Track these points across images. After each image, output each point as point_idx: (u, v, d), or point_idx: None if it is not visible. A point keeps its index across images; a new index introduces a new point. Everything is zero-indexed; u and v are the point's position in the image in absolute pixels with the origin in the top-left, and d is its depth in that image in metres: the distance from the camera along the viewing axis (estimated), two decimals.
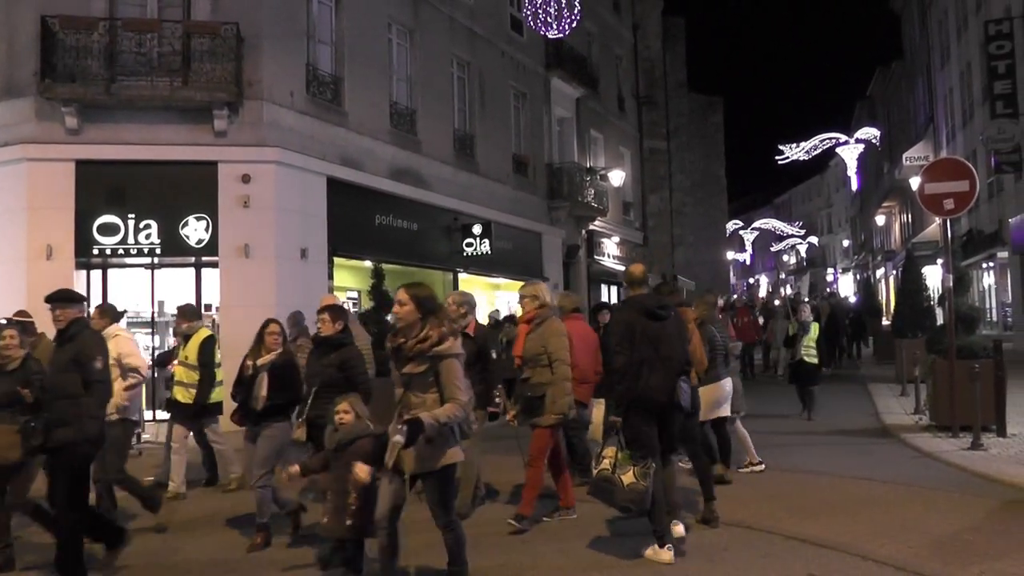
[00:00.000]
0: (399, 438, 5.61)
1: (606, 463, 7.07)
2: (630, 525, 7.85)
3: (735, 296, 28.05)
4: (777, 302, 32.12)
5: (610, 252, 35.22)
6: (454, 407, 5.75)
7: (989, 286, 34.55)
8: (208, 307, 16.80)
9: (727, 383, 9.94)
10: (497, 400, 8.91)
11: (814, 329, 15.52)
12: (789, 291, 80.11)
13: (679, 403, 7.34)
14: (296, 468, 6.83)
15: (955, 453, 11.11)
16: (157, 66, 15.86)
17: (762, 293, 76.94)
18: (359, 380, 8.16)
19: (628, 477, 6.93)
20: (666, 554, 6.99)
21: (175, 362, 11.15)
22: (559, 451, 8.61)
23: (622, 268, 35.14)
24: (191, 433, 10.92)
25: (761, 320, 25.10)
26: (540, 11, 21.39)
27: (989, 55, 26.44)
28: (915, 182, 15.24)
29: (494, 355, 8.84)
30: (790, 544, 7.34)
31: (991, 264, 33.28)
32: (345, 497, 6.43)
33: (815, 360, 15.43)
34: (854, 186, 64.90)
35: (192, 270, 16.84)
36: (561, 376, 8.23)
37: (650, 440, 7.24)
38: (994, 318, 33.08)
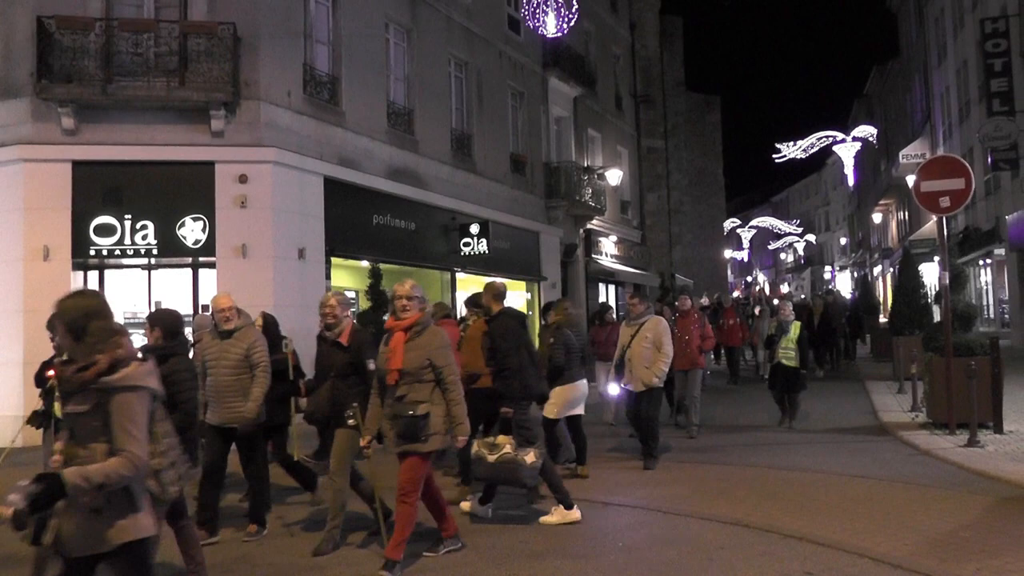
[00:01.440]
0: (15, 499, 3.78)
1: (507, 448, 8.21)
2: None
3: (718, 295, 27.30)
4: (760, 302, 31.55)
5: (608, 251, 35.22)
6: (120, 463, 4.00)
7: (986, 283, 34.59)
8: (205, 307, 16.80)
9: (582, 384, 10.67)
10: (351, 420, 7.58)
11: (794, 329, 14.31)
12: (786, 288, 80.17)
13: (546, 395, 9.84)
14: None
15: (952, 450, 11.13)
16: (154, 66, 15.85)
17: (783, 289, 77.06)
18: (181, 399, 6.85)
19: (530, 457, 8.22)
20: (575, 513, 8.42)
21: None
22: (431, 478, 7.43)
23: (620, 267, 35.26)
24: None
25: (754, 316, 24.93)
26: (537, 10, 21.38)
27: (985, 53, 26.46)
28: (912, 180, 15.24)
29: (371, 365, 7.50)
30: (787, 542, 7.35)
31: (988, 261, 33.32)
32: None
33: (794, 363, 14.05)
34: (851, 184, 64.91)
35: (189, 271, 16.84)
36: (458, 394, 7.06)
37: (537, 425, 9.42)
38: (991, 315, 33.13)
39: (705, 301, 26.01)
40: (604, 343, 15.14)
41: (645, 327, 11.32)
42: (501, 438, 8.37)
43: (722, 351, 22.99)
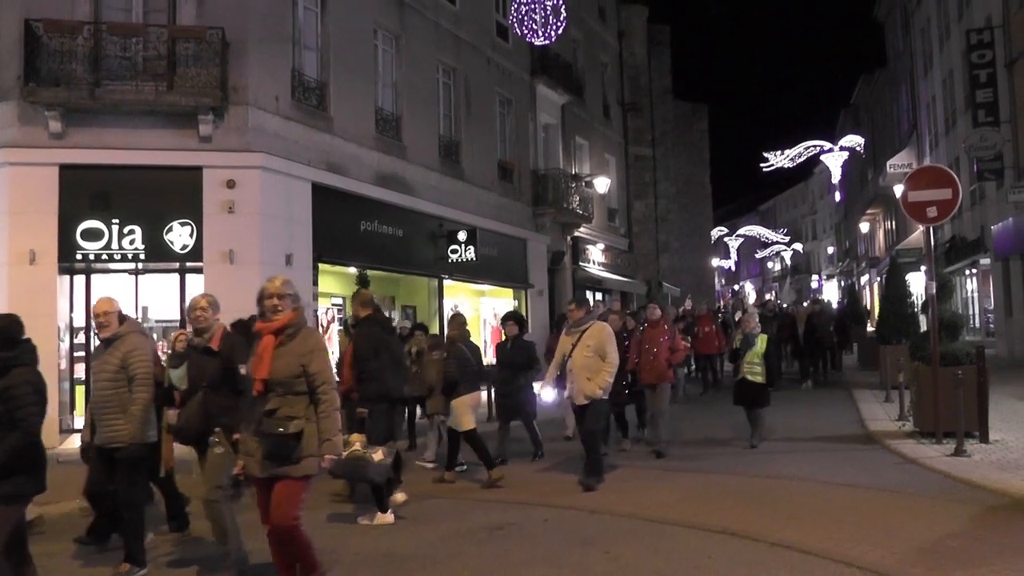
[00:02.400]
0: None
1: (358, 446, 8.54)
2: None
3: (687, 305, 26.27)
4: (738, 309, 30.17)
5: (595, 259, 35.24)
6: None
7: (972, 292, 34.71)
8: None
9: (475, 397, 11.36)
10: (217, 447, 6.89)
11: (761, 342, 13.38)
12: (770, 297, 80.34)
13: (407, 398, 10.35)
14: None
15: (939, 459, 11.15)
16: (142, 70, 15.80)
17: (751, 299, 77.11)
18: (19, 416, 6.04)
19: (378, 455, 8.58)
20: (389, 516, 8.98)
21: None
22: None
23: (608, 275, 35.27)
24: None
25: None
26: (526, 18, 21.40)
27: (971, 64, 26.60)
28: (899, 190, 15.28)
29: (243, 371, 6.58)
30: (774, 551, 7.35)
31: (974, 271, 33.45)
32: None
33: (760, 379, 13.27)
34: (838, 194, 65.16)
35: (176, 276, 16.78)
36: (330, 405, 6.08)
37: (391, 427, 9.74)
38: (977, 324, 33.25)
39: (685, 308, 25.14)
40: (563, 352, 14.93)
41: (587, 334, 10.70)
42: (353, 437, 8.72)
43: (693, 359, 22.56)
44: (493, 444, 12.07)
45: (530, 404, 12.70)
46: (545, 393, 11.73)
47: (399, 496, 9.44)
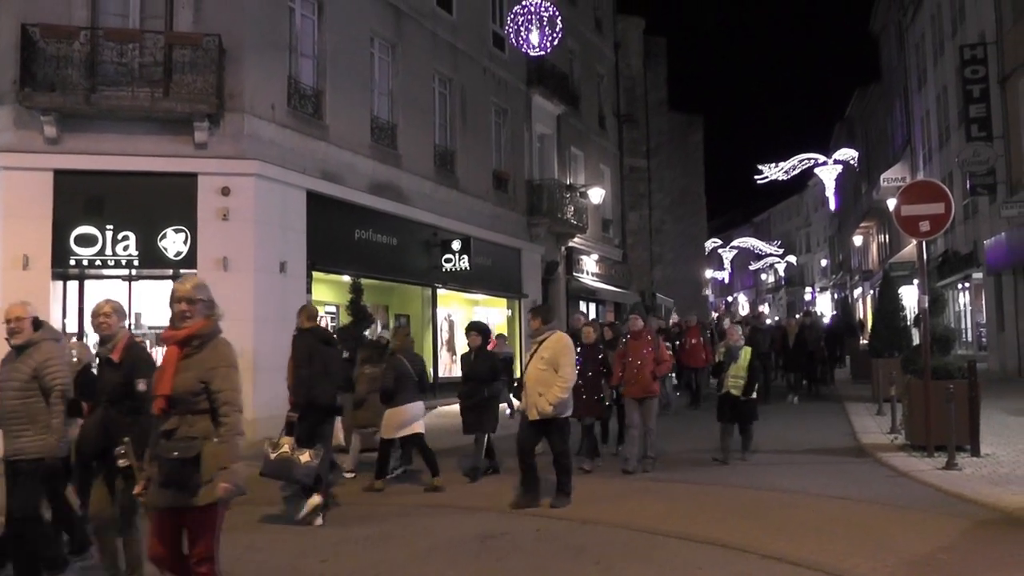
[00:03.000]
0: None
1: (287, 448, 9.12)
2: None
3: (673, 319, 25.28)
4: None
5: (589, 269, 35.26)
6: None
7: (964, 306, 34.79)
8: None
9: (413, 407, 11.51)
10: (122, 459, 6.09)
11: (744, 355, 13.04)
12: (765, 309, 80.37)
13: (336, 407, 10.51)
14: None
15: (930, 472, 11.17)
16: (138, 76, 15.81)
17: (743, 311, 77.15)
18: None
19: (305, 457, 9.09)
20: (315, 498, 9.29)
21: None
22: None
23: (602, 285, 35.28)
24: None
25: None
26: (522, 28, 21.45)
27: (964, 79, 26.70)
28: (892, 203, 15.33)
29: (142, 387, 6.28)
30: (765, 563, 7.35)
31: (966, 285, 33.53)
32: None
33: (746, 394, 12.98)
34: (832, 206, 65.32)
35: (170, 282, 16.66)
36: (230, 429, 5.32)
37: (321, 432, 10.01)
38: (969, 338, 33.31)
39: (670, 321, 24.09)
40: None
41: (543, 346, 10.09)
42: (283, 439, 9.37)
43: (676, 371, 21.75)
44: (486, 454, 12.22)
45: (492, 418, 12.38)
46: (502, 409, 11.66)
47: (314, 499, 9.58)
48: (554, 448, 10.08)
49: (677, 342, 20.90)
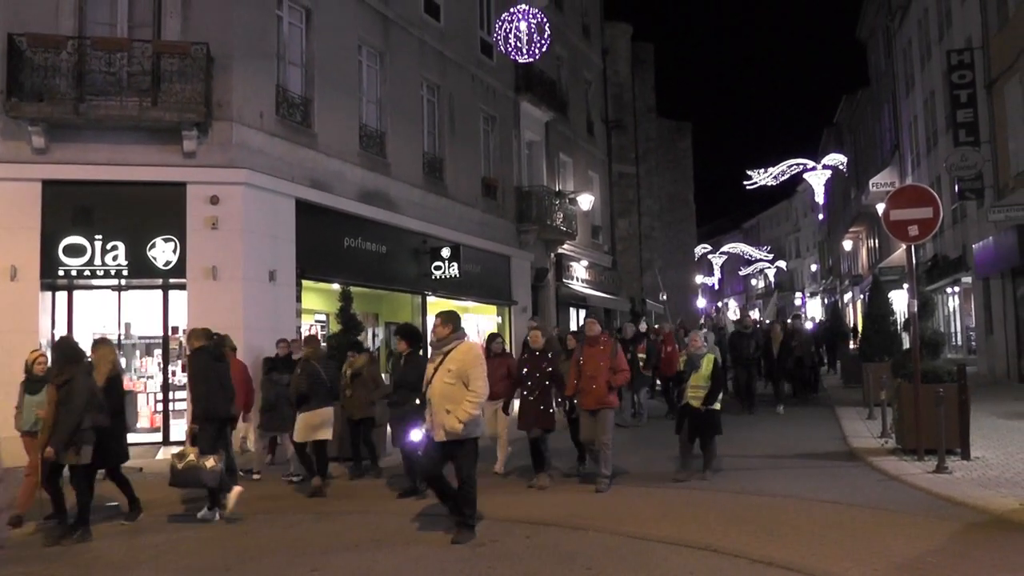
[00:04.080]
0: None
1: (192, 457, 10.14)
2: None
3: (642, 327, 23.36)
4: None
5: (579, 276, 35.29)
6: None
7: (954, 310, 34.90)
8: (175, 329, 16.71)
9: (323, 412, 12.26)
10: None
11: (706, 364, 12.19)
12: (756, 315, 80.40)
13: (233, 416, 11.54)
14: None
15: (920, 476, 11.20)
16: (126, 86, 15.77)
17: (732, 316, 77.16)
18: None
19: (210, 463, 10.09)
20: (236, 489, 10.38)
21: None
22: None
23: (591, 292, 35.29)
24: None
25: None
26: (510, 35, 21.48)
27: (952, 84, 26.79)
28: (881, 208, 15.36)
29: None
30: (756, 568, 7.36)
31: (955, 289, 33.63)
32: None
33: (707, 404, 12.13)
34: (821, 212, 65.50)
35: (159, 292, 16.73)
36: None
37: (220, 439, 10.86)
38: (958, 342, 33.42)
39: (639, 328, 22.18)
40: (491, 378, 12.30)
41: (449, 357, 8.96)
42: (188, 449, 10.41)
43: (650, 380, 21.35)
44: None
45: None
46: (413, 434, 9.92)
47: (234, 494, 10.40)
48: (460, 473, 8.95)
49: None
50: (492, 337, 14.05)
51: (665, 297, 31.05)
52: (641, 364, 18.76)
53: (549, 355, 12.54)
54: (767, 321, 29.35)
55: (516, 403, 12.74)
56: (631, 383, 18.34)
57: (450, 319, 9.21)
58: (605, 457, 11.61)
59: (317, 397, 12.23)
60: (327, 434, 12.27)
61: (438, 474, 9.03)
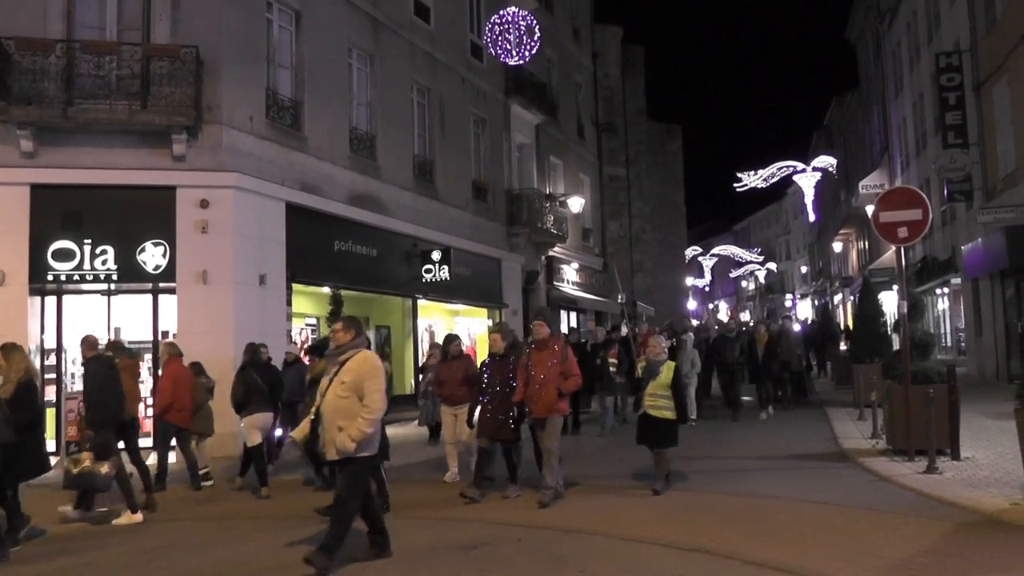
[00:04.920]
0: None
1: (87, 462, 10.34)
2: None
3: (611, 327, 22.34)
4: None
5: (569, 278, 35.30)
6: None
7: (943, 311, 34.99)
8: (165, 334, 16.67)
9: (260, 417, 12.44)
10: None
11: (667, 371, 11.36)
12: (746, 317, 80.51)
13: (128, 422, 11.51)
14: None
15: (911, 477, 11.20)
16: (115, 89, 15.76)
17: (723, 317, 77.26)
18: None
19: (104, 468, 10.31)
20: (138, 516, 10.53)
21: None
22: None
23: (582, 294, 35.30)
24: None
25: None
26: (500, 38, 21.49)
27: (940, 86, 26.87)
28: (871, 210, 15.39)
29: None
30: (748, 569, 7.35)
31: (945, 290, 33.72)
32: None
33: (666, 414, 11.26)
34: (811, 214, 65.66)
35: (149, 296, 16.69)
36: None
37: (115, 446, 10.87)
38: (948, 343, 33.50)
39: (622, 331, 21.30)
40: (449, 382, 12.66)
41: (345, 367, 8.02)
42: (83, 455, 10.54)
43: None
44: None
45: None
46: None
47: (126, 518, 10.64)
48: (338, 492, 7.99)
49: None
50: (450, 339, 13.41)
51: (623, 299, 30.98)
52: (613, 369, 17.77)
53: (512, 360, 11.63)
54: (752, 323, 28.47)
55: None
56: (602, 390, 18.18)
57: (352, 324, 8.36)
58: (549, 466, 10.76)
59: (254, 403, 12.43)
60: (255, 439, 12.36)
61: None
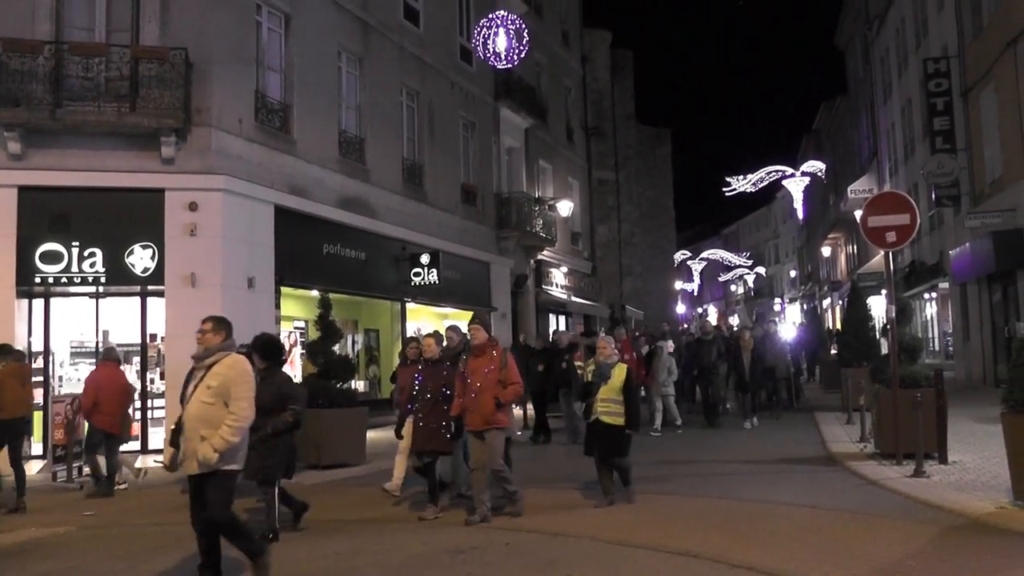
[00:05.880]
0: None
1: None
2: None
3: (585, 332, 21.59)
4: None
5: (558, 282, 35.31)
6: None
7: (931, 316, 35.13)
8: (153, 337, 16.61)
9: None
10: None
11: (618, 374, 10.66)
12: (735, 321, 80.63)
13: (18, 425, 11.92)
14: None
15: (899, 480, 11.23)
16: (104, 91, 15.72)
17: (713, 321, 77.36)
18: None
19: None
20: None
21: None
22: None
23: (571, 298, 35.31)
24: None
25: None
26: (489, 42, 21.50)
27: (928, 92, 27.00)
28: (859, 214, 15.42)
29: None
30: (736, 573, 7.35)
31: (933, 295, 33.85)
32: None
33: (619, 420, 10.53)
34: (800, 218, 65.81)
35: (137, 299, 16.63)
36: None
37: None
38: (936, 347, 33.61)
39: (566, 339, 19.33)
40: (408, 389, 11.06)
41: (212, 371, 7.32)
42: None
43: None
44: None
45: (279, 460, 9.32)
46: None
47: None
48: (209, 510, 7.07)
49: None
50: (408, 341, 12.78)
51: (611, 308, 31.07)
52: (580, 372, 16.04)
53: (447, 365, 10.68)
54: (735, 328, 27.57)
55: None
56: (566, 395, 17.43)
57: (222, 325, 7.84)
58: (505, 485, 10.10)
59: None
60: None
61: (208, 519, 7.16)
